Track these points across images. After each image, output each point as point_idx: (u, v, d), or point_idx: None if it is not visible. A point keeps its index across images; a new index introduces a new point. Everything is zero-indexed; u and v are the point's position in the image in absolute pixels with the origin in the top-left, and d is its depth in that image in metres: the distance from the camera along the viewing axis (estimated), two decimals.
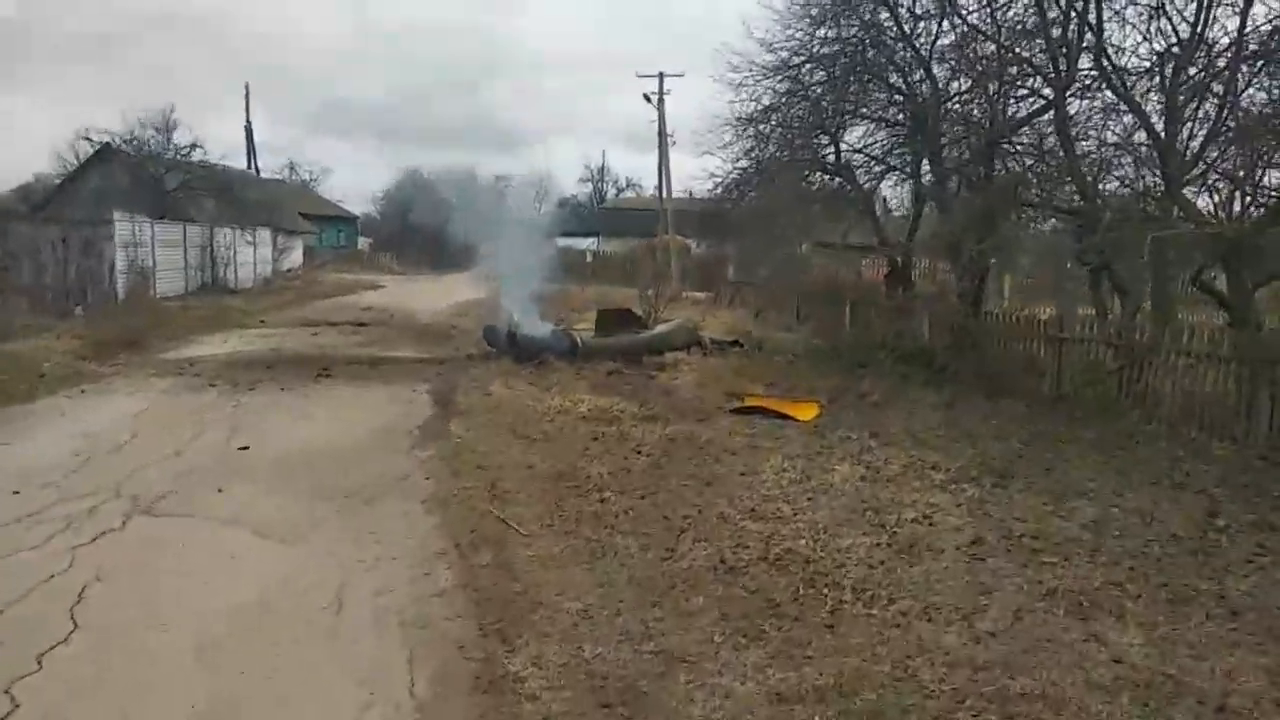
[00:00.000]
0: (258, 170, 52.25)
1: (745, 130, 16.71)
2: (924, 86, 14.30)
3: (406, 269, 51.37)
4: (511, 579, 5.21)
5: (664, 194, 37.49)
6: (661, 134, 35.89)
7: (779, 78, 15.74)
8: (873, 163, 16.32)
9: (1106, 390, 10.51)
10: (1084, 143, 11.85)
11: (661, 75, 35.25)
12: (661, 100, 35.20)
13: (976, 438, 9.03)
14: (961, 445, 8.68)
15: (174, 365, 12.66)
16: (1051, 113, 11.65)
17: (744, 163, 17.33)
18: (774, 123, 16.37)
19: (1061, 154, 11.60)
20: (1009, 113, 12.66)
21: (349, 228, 66.86)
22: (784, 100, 16.15)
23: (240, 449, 8.10)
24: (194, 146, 29.07)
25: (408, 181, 67.77)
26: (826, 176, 16.79)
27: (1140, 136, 10.98)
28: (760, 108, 16.19)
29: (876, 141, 15.67)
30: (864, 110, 15.54)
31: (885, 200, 19.04)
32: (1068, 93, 11.37)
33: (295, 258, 39.69)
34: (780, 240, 21.05)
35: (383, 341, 16.21)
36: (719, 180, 18.58)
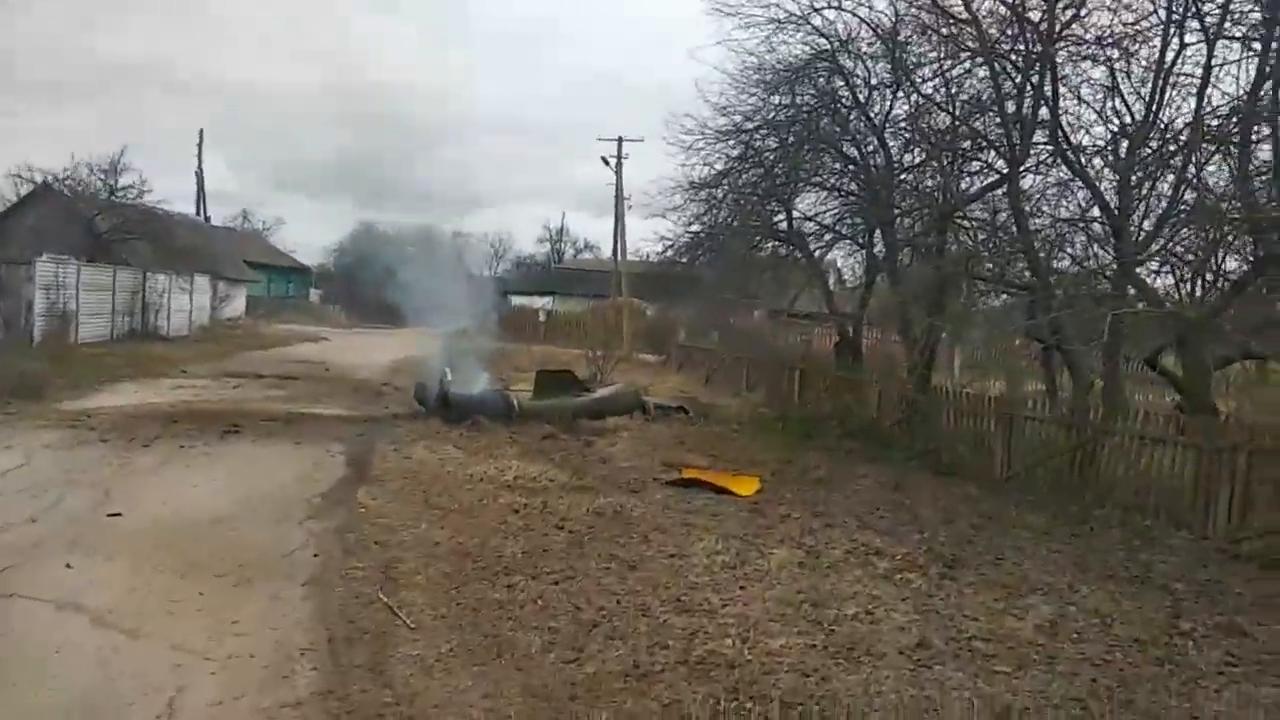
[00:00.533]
0: (207, 217, 51.51)
1: (697, 194, 16.44)
2: (877, 157, 14.12)
3: (355, 322, 50.41)
4: (384, 685, 4.44)
5: (619, 255, 37.29)
6: (618, 197, 35.84)
7: (731, 142, 15.52)
8: (824, 231, 16.08)
9: (1058, 472, 10.08)
10: (1037, 219, 11.64)
11: (620, 140, 35.32)
12: (620, 164, 35.21)
13: (924, 521, 8.46)
14: (908, 528, 8.10)
15: (70, 416, 11.68)
16: (1005, 187, 11.42)
17: (695, 227, 17.03)
18: (726, 187, 16.10)
19: (1014, 229, 11.34)
20: (962, 185, 12.45)
21: (300, 278, 65.72)
22: (736, 165, 15.89)
23: (111, 516, 7.21)
24: (139, 191, 28.15)
25: (362, 234, 67.75)
26: (777, 243, 16.50)
27: (1094, 213, 10.76)
28: (713, 172, 15.93)
29: (828, 210, 15.47)
30: (817, 178, 15.32)
31: (838, 269, 18.82)
32: (1022, 167, 11.17)
33: (238, 306, 38.59)
34: (730, 306, 20.69)
35: (308, 397, 15.33)
36: (669, 243, 18.27)
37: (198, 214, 50.69)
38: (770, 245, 16.68)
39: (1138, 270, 10.15)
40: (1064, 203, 11.75)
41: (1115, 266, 10.40)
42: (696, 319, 24.86)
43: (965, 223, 12.77)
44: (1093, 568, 7.17)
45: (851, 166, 14.42)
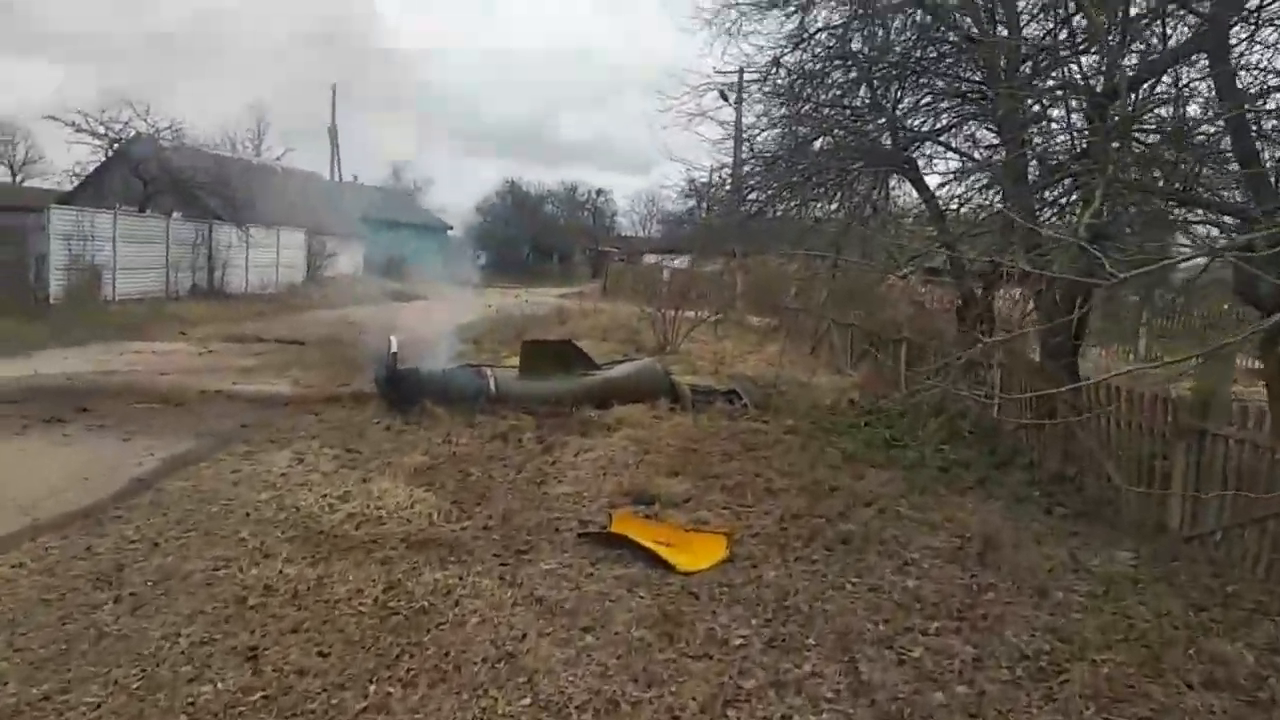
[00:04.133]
0: (340, 175, 51.09)
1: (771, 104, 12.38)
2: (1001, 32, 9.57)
3: (487, 281, 48.69)
4: None
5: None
6: (737, 138, 31.51)
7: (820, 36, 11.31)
8: (941, 150, 11.61)
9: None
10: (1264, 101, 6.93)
11: (741, 71, 30.96)
12: (740, 98, 30.86)
13: (1025, 651, 4.43)
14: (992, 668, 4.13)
15: None
16: (1205, 54, 6.80)
17: (772, 147, 12.91)
18: (807, 94, 11.90)
19: (1221, 124, 6.76)
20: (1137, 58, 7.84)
21: (443, 238, 65.08)
22: (822, 63, 11.67)
23: None
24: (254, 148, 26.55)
25: (505, 190, 66.54)
26: (878, 169, 12.18)
27: None
28: (785, 74, 11.79)
29: (940, 119, 10.98)
30: (928, 74, 10.87)
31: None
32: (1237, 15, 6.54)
33: (347, 263, 37.22)
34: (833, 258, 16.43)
35: (273, 369, 12.57)
36: (751, 177, 14.25)
37: (331, 172, 50.41)
38: (866, 173, 12.34)
39: None
40: None
41: None
42: (805, 274, 20.52)
43: (1137, 127, 8.11)
44: None
45: (971, 46, 9.90)
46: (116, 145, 22.31)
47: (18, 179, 45.83)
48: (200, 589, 4.76)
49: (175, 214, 23.24)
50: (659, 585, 5.10)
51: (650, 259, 48.05)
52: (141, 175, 22.41)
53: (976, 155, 11.72)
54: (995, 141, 11.14)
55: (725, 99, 31.65)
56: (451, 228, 66.54)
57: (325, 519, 5.96)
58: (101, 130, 21.93)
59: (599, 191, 67.91)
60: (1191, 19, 7.15)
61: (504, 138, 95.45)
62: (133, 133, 22.38)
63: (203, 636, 4.23)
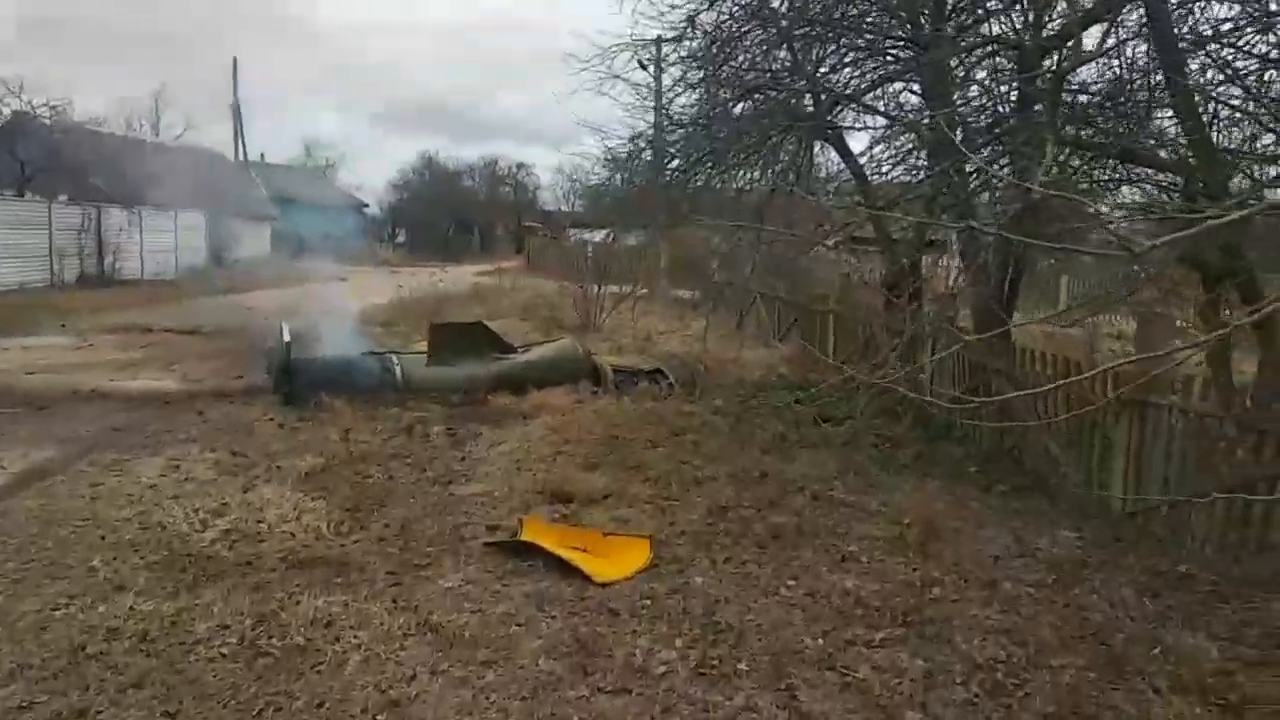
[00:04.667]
0: (245, 154, 48.77)
1: (689, 68, 11.76)
2: None
3: (406, 260, 47.08)
4: None
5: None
6: (658, 107, 30.86)
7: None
8: (866, 114, 11.18)
9: (1227, 515, 5.40)
10: (1196, 57, 6.59)
11: (659, 40, 30.25)
12: (658, 67, 30.19)
13: (970, 641, 4.01)
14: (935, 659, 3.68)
15: None
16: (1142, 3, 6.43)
17: (690, 113, 12.32)
18: (722, 57, 11.33)
19: (1156, 71, 6.41)
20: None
21: (358, 217, 62.95)
22: (740, 24, 11.09)
23: None
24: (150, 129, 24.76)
25: (423, 166, 64.61)
26: (799, 135, 11.69)
27: None
28: (701, 35, 11.18)
29: (865, 81, 10.53)
30: (852, 31, 10.39)
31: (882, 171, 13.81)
32: None
33: (255, 246, 35.51)
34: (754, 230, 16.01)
35: (164, 360, 11.57)
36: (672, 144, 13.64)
37: (236, 151, 48.05)
38: (789, 139, 11.86)
39: None
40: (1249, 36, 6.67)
41: None
42: (729, 245, 20.07)
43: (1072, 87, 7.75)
44: None
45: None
46: None
47: None
48: (29, 636, 4.02)
49: (61, 197, 21.63)
50: (574, 601, 4.53)
51: (574, 233, 47.18)
52: (18, 156, 20.72)
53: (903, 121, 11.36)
54: (920, 105, 10.82)
55: (644, 67, 30.64)
56: (367, 205, 64.44)
57: (194, 539, 5.23)
58: None
59: (520, 165, 66.45)
60: None
61: (424, 114, 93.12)
62: (6, 112, 20.75)
63: (22, 700, 3.52)
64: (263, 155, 55.15)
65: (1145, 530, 5.95)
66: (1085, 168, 6.70)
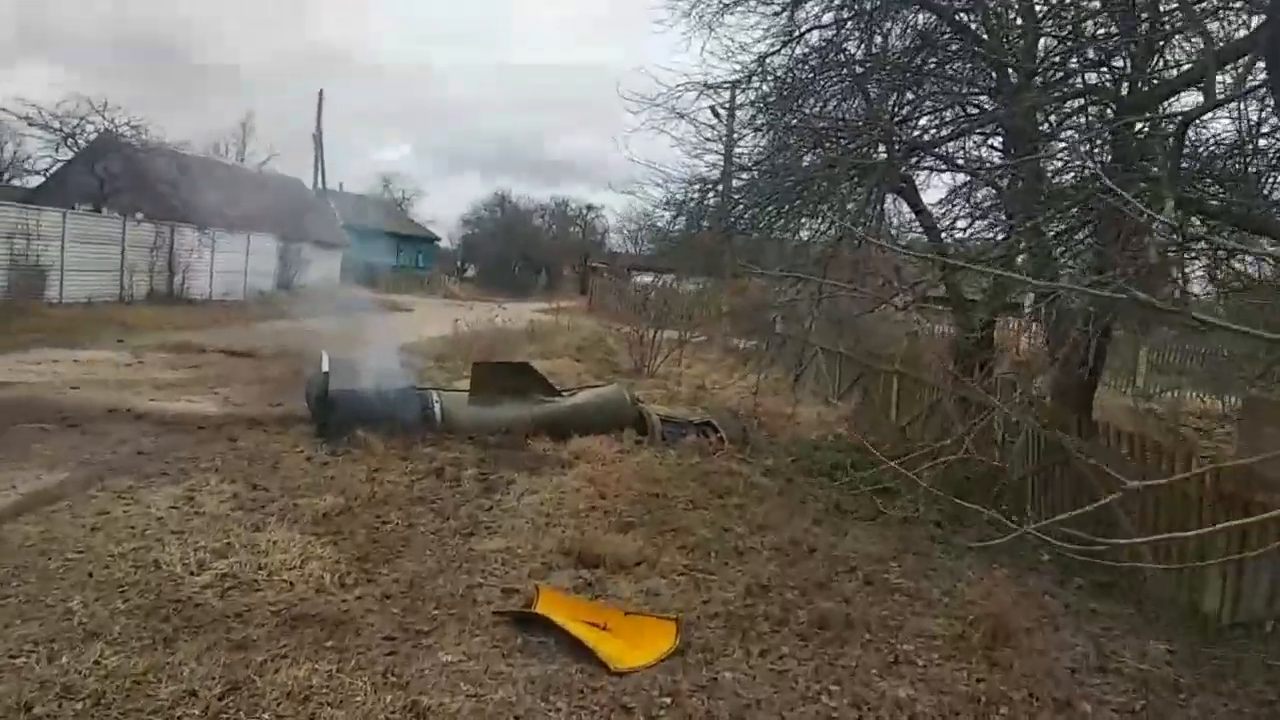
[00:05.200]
0: (324, 182, 49.98)
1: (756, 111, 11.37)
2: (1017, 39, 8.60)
3: (472, 294, 47.44)
4: None
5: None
6: (728, 155, 30.63)
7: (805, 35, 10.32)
8: (941, 166, 10.62)
9: None
10: None
11: (734, 86, 30.09)
12: (732, 114, 29.99)
13: None
14: None
15: None
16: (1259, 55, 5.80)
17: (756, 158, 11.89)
18: (793, 102, 10.90)
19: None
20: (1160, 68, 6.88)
21: (429, 249, 64.02)
22: (813, 70, 10.67)
23: None
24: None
25: (496, 203, 65.49)
26: (866, 188, 11.16)
27: None
28: (772, 80, 10.81)
29: (942, 131, 9.98)
30: (932, 79, 9.87)
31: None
32: None
33: (323, 271, 36.03)
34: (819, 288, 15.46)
35: (210, 382, 11.46)
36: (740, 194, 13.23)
37: (315, 179, 49.22)
38: (858, 189, 11.33)
39: None
40: None
41: None
42: (791, 296, 19.52)
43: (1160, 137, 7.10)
44: None
45: (979, 51, 8.92)
46: (70, 141, 21.27)
47: (3, 177, 44.50)
48: None
49: (138, 215, 22.14)
50: (584, 692, 4.00)
51: (636, 276, 47.00)
52: (98, 173, 21.27)
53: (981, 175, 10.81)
54: (1000, 161, 10.26)
55: (717, 116, 30.49)
56: (439, 239, 65.54)
57: (186, 582, 4.85)
58: (56, 125, 20.82)
59: (589, 207, 66.98)
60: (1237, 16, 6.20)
61: (499, 153, 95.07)
62: (90, 130, 21.40)
63: None
64: (341, 185, 56.53)
65: (1247, 647, 5.19)
66: (1208, 232, 5.96)
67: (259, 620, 4.50)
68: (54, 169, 25.00)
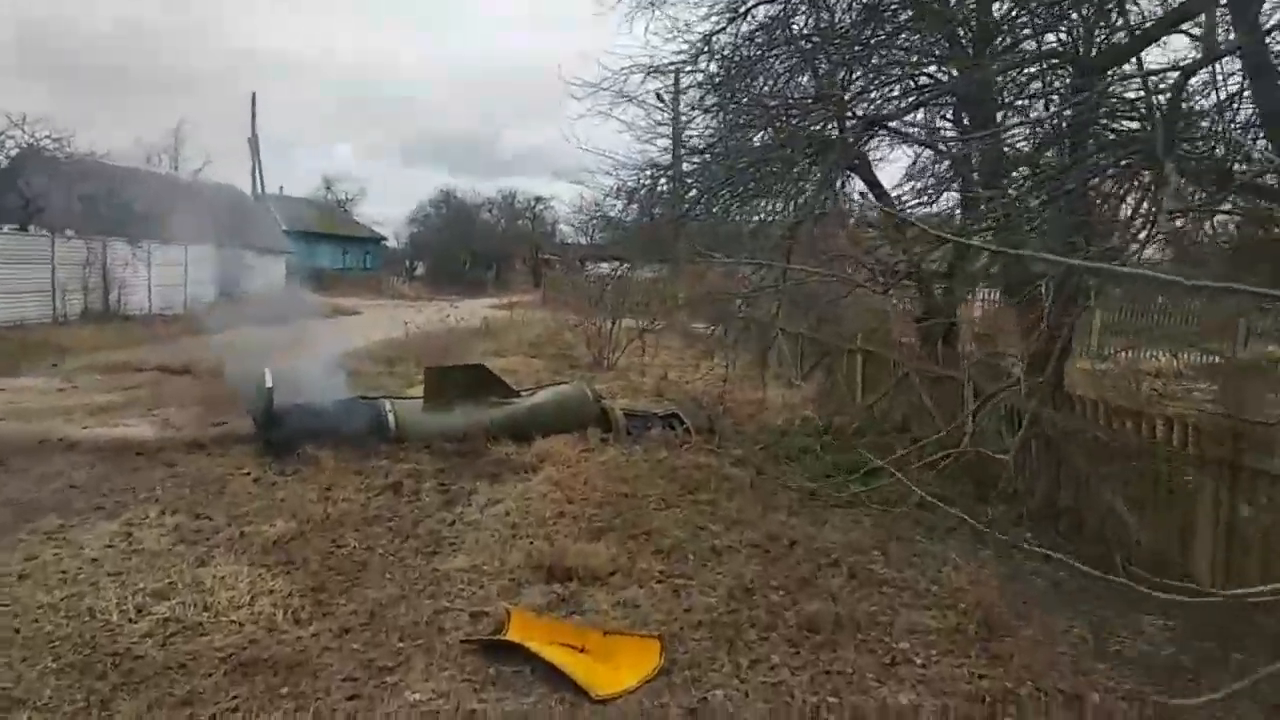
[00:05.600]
0: (262, 187, 48.73)
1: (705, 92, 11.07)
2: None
3: (422, 293, 46.60)
4: None
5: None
6: (675, 139, 30.30)
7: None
8: (897, 141, 10.43)
9: None
10: None
11: (678, 70, 29.75)
12: (676, 98, 29.66)
13: None
14: None
15: None
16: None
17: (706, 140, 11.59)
18: (741, 81, 10.61)
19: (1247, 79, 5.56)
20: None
21: (376, 249, 62.84)
22: (760, 48, 10.38)
23: None
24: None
25: (441, 199, 64.40)
26: (818, 162, 10.93)
27: None
28: (719, 61, 10.50)
29: (896, 103, 9.76)
30: (882, 50, 9.63)
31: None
32: None
33: (268, 278, 35.09)
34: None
35: (148, 403, 10.90)
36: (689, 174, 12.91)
37: (253, 184, 47.92)
38: (814, 169, 11.09)
39: None
40: None
41: None
42: (753, 281, 19.29)
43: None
44: None
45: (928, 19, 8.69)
46: None
47: None
48: None
49: (68, 231, 21.22)
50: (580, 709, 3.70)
51: (590, 267, 46.52)
52: (23, 191, 20.33)
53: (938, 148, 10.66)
54: (954, 134, 10.11)
55: (662, 101, 30.02)
56: (385, 239, 64.35)
57: (124, 631, 4.44)
58: None
59: (538, 199, 66.10)
60: None
61: (444, 150, 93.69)
62: (10, 145, 20.43)
63: None
64: (281, 189, 55.17)
65: (1246, 620, 5.04)
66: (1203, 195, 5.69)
67: (205, 669, 4.12)
68: None
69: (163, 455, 8.19)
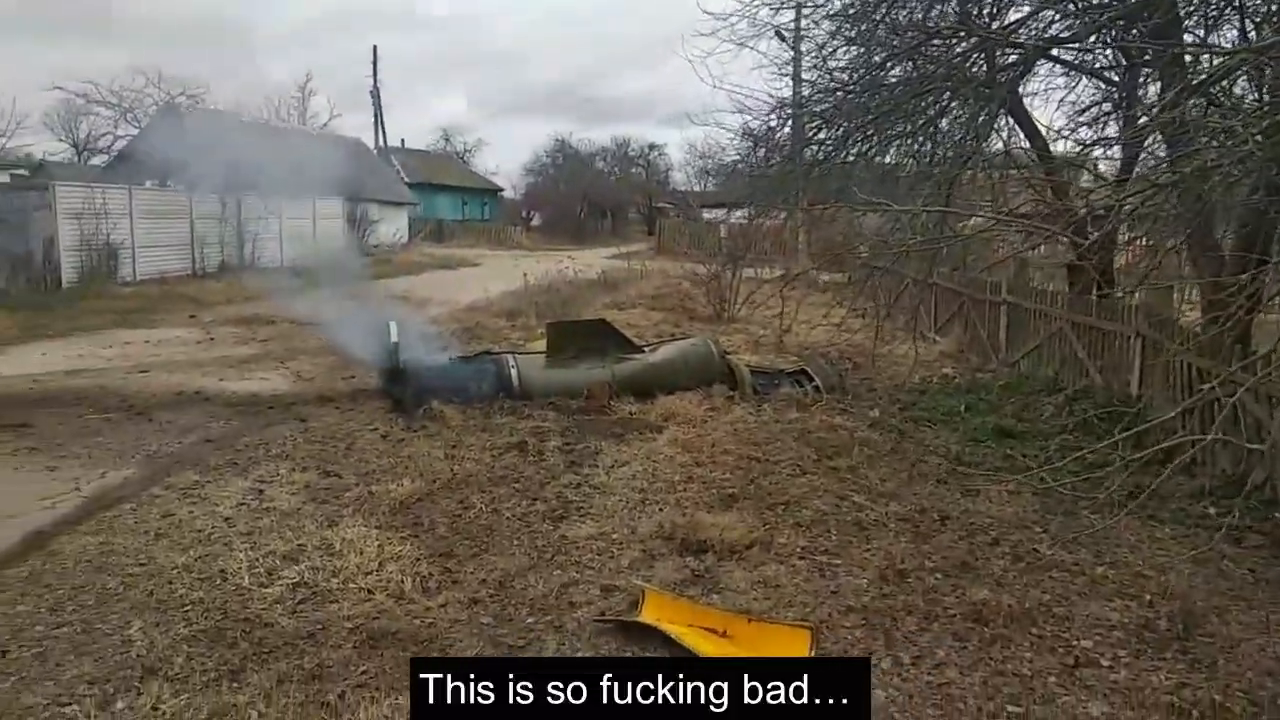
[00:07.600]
0: (385, 140, 49.77)
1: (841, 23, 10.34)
2: None
3: (539, 243, 46.88)
4: None
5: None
6: (796, 77, 29.05)
7: None
8: (1055, 74, 9.52)
9: None
10: None
11: (799, 5, 28.42)
12: (798, 35, 28.36)
13: None
14: None
15: None
16: None
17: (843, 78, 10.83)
18: (881, 11, 9.81)
19: None
20: None
21: (494, 200, 63.59)
22: None
23: None
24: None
25: (555, 149, 64.43)
26: (967, 99, 10.07)
27: None
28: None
29: (1054, 30, 8.82)
30: None
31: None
32: None
33: (391, 231, 35.87)
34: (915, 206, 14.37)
35: (280, 356, 11.14)
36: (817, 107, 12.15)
37: (376, 137, 48.96)
38: (957, 107, 10.22)
39: None
40: None
41: None
42: (884, 227, 18.36)
43: None
44: None
45: None
46: (129, 116, 21.20)
47: (83, 158, 45.25)
48: None
49: (204, 187, 22.05)
50: None
51: (708, 214, 45.55)
52: (161, 147, 21.13)
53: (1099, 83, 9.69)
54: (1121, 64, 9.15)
55: (783, 38, 28.84)
56: (503, 190, 65.03)
57: (255, 596, 4.37)
58: (114, 101, 20.65)
59: (652, 146, 65.37)
60: None
61: (555, 98, 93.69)
62: (149, 103, 21.26)
63: None
64: (403, 141, 56.34)
65: None
66: None
67: (334, 640, 3.99)
68: (115, 145, 25.17)
69: (294, 410, 8.27)
